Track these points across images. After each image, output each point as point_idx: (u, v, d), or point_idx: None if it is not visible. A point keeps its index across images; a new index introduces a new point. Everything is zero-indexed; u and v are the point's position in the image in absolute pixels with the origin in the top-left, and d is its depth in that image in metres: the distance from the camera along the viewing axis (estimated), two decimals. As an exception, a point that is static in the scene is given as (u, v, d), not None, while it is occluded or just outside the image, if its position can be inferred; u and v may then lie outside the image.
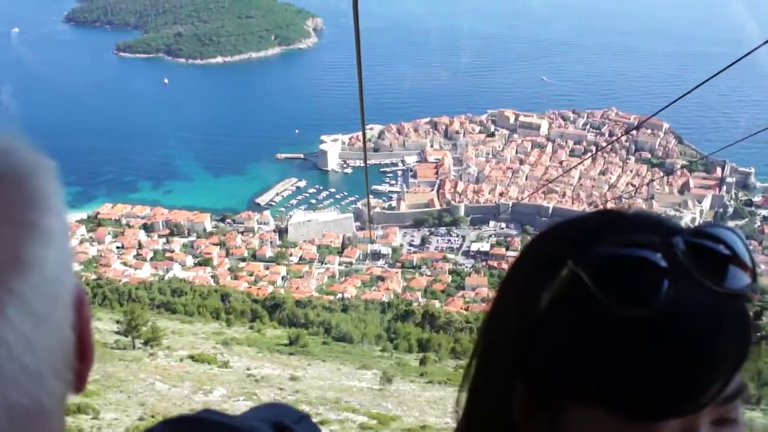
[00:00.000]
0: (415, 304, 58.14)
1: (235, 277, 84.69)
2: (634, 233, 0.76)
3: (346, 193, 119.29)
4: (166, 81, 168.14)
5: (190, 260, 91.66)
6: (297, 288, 78.52)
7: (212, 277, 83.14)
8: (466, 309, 64.01)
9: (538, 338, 0.76)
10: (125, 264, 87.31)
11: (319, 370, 21.60)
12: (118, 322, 24.37)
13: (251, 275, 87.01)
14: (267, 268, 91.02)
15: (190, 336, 25.61)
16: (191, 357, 19.32)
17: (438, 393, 17.92)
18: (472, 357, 0.91)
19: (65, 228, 0.64)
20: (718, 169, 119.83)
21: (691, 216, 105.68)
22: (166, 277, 70.88)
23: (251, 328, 32.89)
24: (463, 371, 0.92)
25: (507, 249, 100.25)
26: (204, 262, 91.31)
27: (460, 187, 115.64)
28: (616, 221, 0.80)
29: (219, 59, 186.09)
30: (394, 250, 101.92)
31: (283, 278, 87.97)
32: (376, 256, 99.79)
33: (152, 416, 12.01)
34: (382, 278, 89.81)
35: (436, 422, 15.24)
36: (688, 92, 5.71)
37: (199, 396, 13.76)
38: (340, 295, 69.16)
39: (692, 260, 0.72)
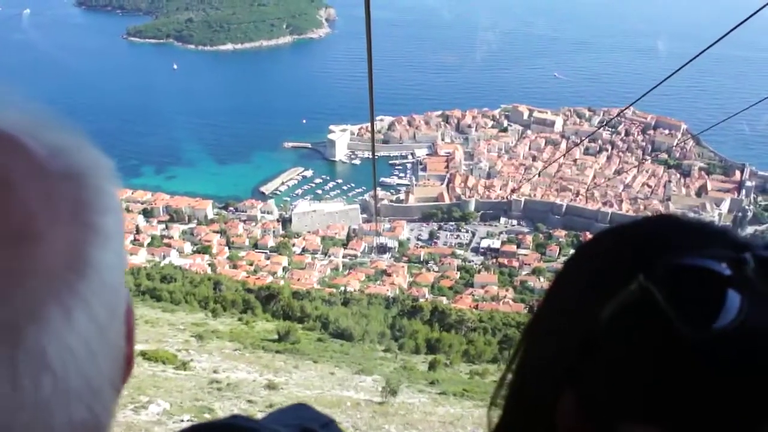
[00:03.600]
0: (422, 300, 54.62)
1: (234, 266, 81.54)
2: (702, 247, 0.69)
3: (353, 185, 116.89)
4: (174, 66, 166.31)
5: (188, 247, 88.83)
6: (298, 279, 75.27)
7: (210, 265, 79.88)
8: (476, 307, 60.51)
9: (597, 350, 0.69)
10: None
11: (308, 374, 17.41)
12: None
13: (251, 265, 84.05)
14: (268, 258, 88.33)
15: (165, 327, 22.08)
16: (142, 354, 15.52)
17: (453, 409, 14.33)
18: (509, 367, 0.83)
19: (121, 230, 0.61)
20: (737, 173, 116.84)
21: (710, 219, 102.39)
22: (162, 264, 67.70)
23: (240, 319, 29.53)
24: (496, 385, 0.85)
25: (518, 246, 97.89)
26: (203, 249, 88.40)
27: (471, 181, 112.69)
28: (681, 231, 0.74)
29: (229, 46, 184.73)
30: (401, 243, 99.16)
31: (284, 269, 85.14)
32: (382, 249, 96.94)
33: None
34: (387, 272, 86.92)
35: (455, 456, 11.83)
36: (662, 81, 6.05)
37: (127, 413, 10.02)
38: (342, 288, 65.71)
39: (764, 277, 0.65)
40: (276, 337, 23.85)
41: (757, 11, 4.65)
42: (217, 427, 0.97)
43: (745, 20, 4.83)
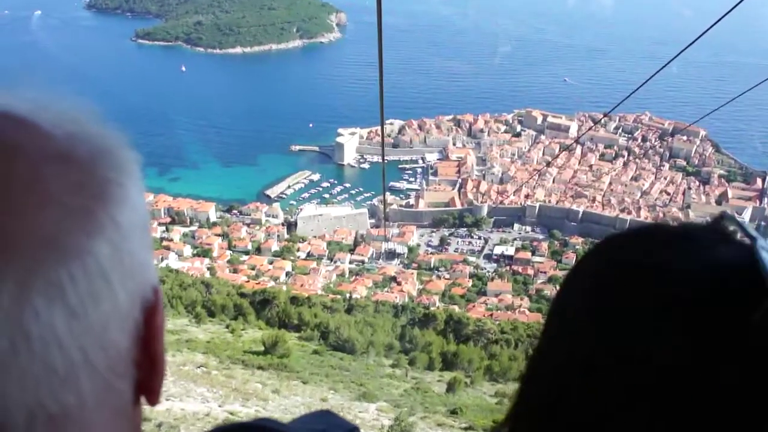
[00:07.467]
0: (432, 308, 50.65)
1: (235, 270, 78.06)
2: None
3: (361, 189, 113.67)
4: (183, 68, 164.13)
5: (188, 250, 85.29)
6: (301, 285, 71.49)
7: (209, 269, 76.31)
8: (490, 316, 56.58)
9: (709, 380, 0.57)
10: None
11: (291, 401, 12.89)
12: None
13: (253, 269, 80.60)
14: (271, 263, 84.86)
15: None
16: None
17: (488, 455, 10.56)
18: (527, 371, 0.75)
19: (136, 227, 0.58)
20: (758, 180, 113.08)
21: (734, 228, 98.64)
22: (158, 267, 64.17)
23: (228, 327, 25.75)
24: (512, 404, 0.75)
25: (533, 253, 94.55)
26: (203, 253, 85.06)
27: (484, 187, 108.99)
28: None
29: (238, 49, 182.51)
30: (411, 249, 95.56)
31: (287, 274, 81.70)
32: (390, 255, 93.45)
33: None
34: (396, 279, 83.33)
35: None
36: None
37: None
38: (347, 295, 61.87)
39: None
40: (262, 348, 19.99)
41: (725, 15, 4.85)
42: (246, 428, 0.96)
43: (716, 22, 4.97)
